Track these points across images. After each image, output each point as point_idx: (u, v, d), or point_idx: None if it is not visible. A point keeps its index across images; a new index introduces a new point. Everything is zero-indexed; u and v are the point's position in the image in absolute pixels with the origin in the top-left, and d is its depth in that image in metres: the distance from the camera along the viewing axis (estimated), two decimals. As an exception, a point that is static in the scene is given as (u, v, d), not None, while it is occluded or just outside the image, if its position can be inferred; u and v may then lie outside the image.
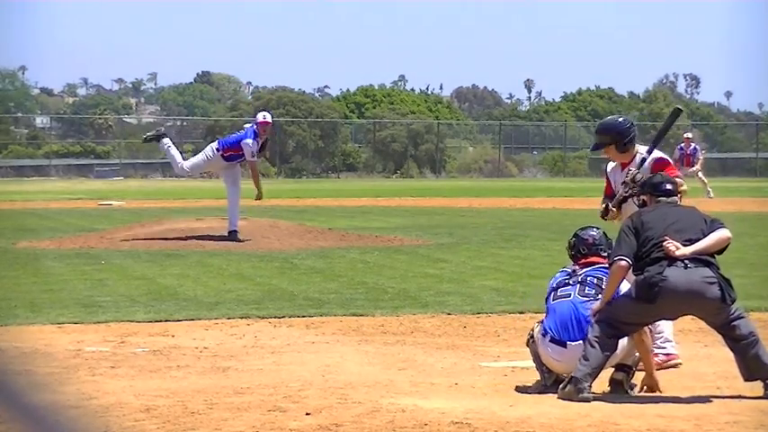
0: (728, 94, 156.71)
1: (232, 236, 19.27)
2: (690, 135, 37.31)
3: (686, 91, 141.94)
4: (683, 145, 35.76)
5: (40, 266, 16.45)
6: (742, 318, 8.04)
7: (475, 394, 8.04)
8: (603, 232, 8.88)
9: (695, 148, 36.06)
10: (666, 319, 8.59)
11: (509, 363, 9.23)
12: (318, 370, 8.93)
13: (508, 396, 8.00)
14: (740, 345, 7.97)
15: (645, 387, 8.15)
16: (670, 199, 8.51)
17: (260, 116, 20.08)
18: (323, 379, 8.57)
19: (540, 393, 8.08)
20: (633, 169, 9.21)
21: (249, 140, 19.29)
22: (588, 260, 8.57)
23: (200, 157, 20.07)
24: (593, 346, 7.93)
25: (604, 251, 8.62)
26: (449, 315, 11.82)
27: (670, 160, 9.60)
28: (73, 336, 10.65)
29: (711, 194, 34.61)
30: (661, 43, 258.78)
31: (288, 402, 7.70)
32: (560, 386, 7.97)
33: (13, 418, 3.28)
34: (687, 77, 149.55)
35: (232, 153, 19.41)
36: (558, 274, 8.60)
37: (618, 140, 9.37)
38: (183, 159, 20.39)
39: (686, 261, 7.93)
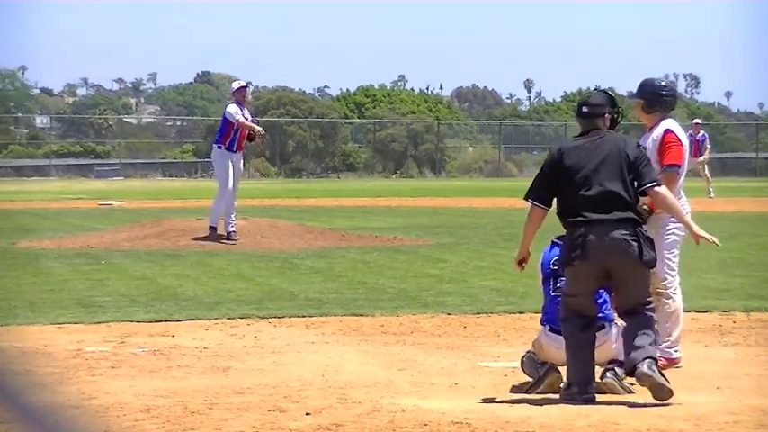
0: (728, 94, 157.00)
1: (230, 236, 19.25)
2: (699, 121, 36.77)
3: (686, 91, 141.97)
4: (692, 131, 34.50)
5: (40, 266, 16.45)
6: (650, 315, 7.87)
7: (475, 394, 8.04)
8: None
9: (704, 135, 35.30)
10: (602, 287, 8.04)
11: (509, 363, 9.23)
12: (318, 370, 8.93)
13: (508, 396, 8.01)
14: (633, 332, 7.80)
15: None
16: (591, 123, 8.04)
17: (234, 85, 20.22)
18: (323, 379, 8.57)
19: (527, 393, 8.08)
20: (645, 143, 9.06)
21: (230, 107, 19.33)
22: None
23: (221, 174, 19.41)
24: (572, 348, 7.88)
25: None
26: (449, 315, 11.82)
27: (680, 139, 9.23)
28: (73, 336, 10.65)
29: (712, 195, 34.26)
30: (661, 43, 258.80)
31: (288, 402, 7.71)
32: (563, 388, 7.96)
33: (14, 417, 3.29)
34: (687, 77, 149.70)
35: (229, 138, 19.32)
36: (552, 251, 8.42)
37: (646, 99, 9.19)
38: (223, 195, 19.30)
39: (605, 219, 7.74)
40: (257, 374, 8.79)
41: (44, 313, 11.89)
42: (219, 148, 19.30)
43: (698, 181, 34.40)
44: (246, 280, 14.77)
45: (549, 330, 8.23)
